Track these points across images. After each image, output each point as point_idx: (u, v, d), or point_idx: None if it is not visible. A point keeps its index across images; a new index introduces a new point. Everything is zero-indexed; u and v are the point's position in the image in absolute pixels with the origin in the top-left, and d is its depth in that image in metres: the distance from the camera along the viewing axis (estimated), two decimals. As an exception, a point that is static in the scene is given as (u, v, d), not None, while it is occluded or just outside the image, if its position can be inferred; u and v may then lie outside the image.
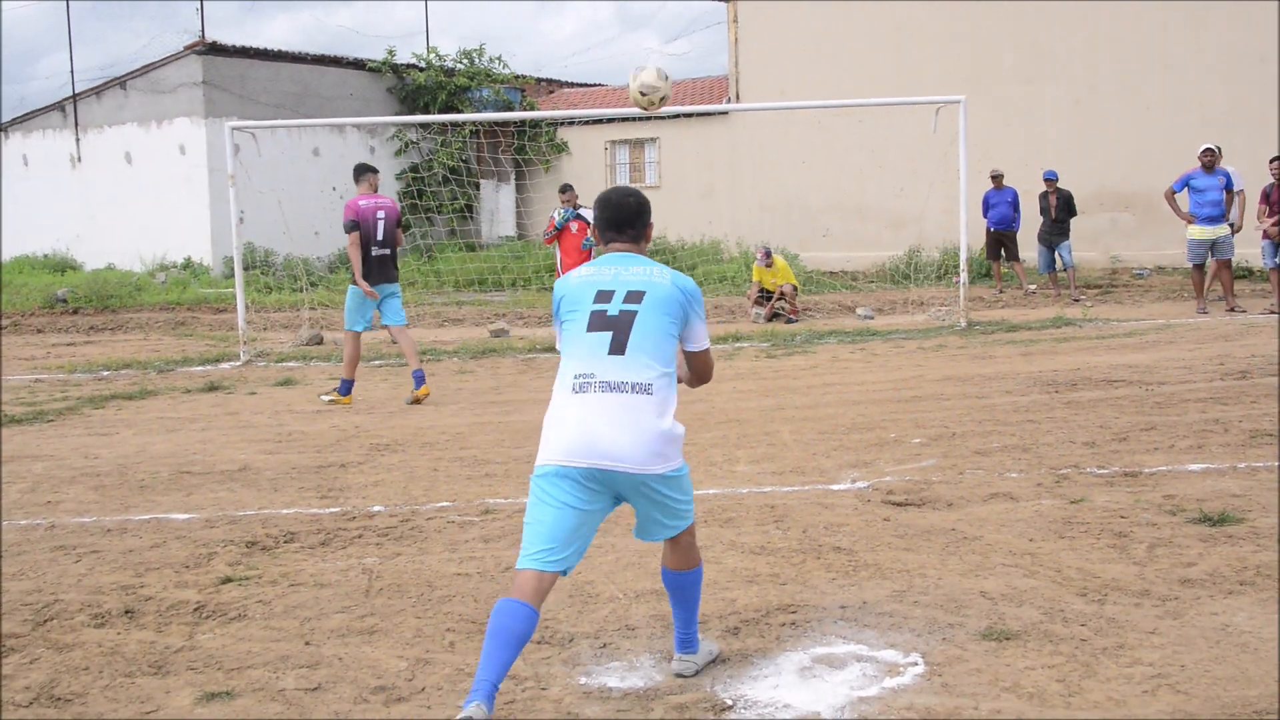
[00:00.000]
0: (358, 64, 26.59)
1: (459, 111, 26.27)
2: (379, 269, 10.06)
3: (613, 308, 3.75)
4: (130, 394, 10.88)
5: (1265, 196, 13.88)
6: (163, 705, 3.87)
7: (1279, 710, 3.55)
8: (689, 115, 24.23)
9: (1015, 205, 17.80)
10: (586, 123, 26.35)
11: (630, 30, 68.86)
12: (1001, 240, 17.93)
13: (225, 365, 12.85)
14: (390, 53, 26.99)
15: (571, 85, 32.01)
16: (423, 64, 27.24)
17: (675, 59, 75.71)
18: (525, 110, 27.83)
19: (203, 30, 24.39)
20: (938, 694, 3.75)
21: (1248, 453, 6.90)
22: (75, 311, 19.15)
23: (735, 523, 5.83)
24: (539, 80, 30.81)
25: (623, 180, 26.49)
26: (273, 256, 22.68)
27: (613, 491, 3.70)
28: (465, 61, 27.81)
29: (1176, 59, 19.82)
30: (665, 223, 23.49)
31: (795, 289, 16.00)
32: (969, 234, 14.36)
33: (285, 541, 5.78)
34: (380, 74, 26.81)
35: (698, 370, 4.05)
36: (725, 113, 22.97)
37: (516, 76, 29.05)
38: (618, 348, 3.69)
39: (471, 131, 26.65)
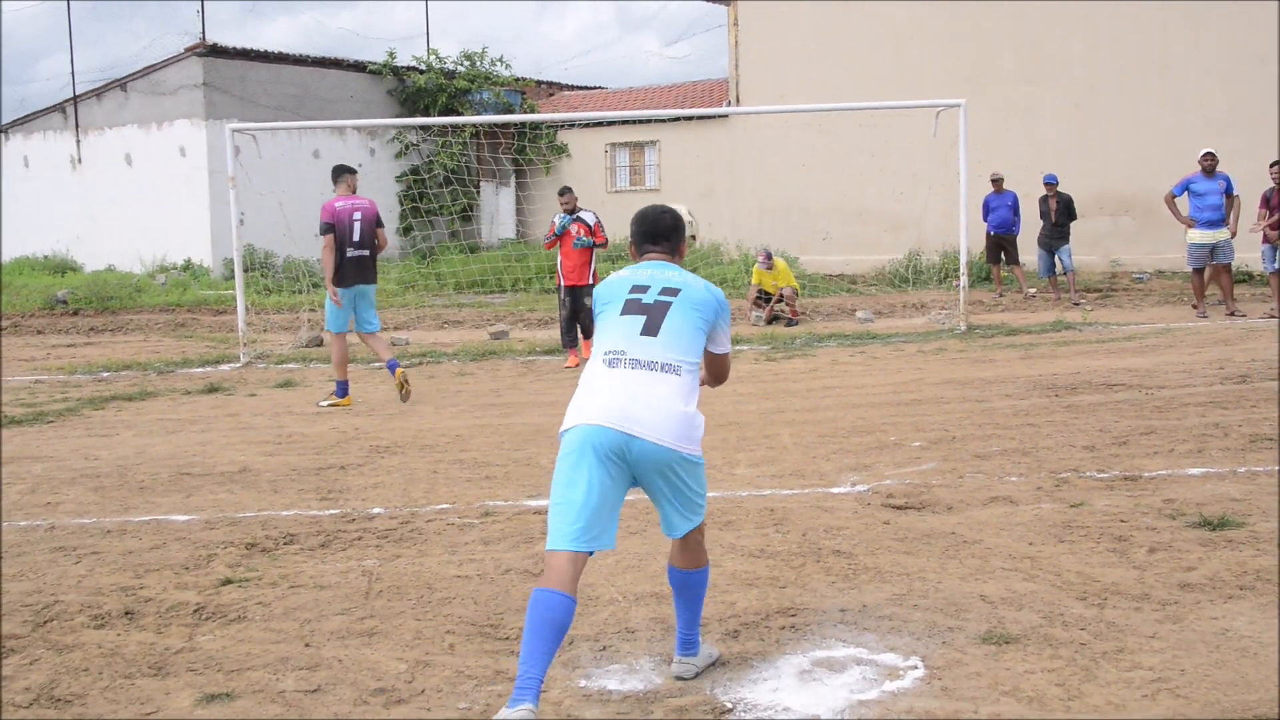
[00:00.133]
0: (358, 66, 26.60)
1: (459, 114, 26.29)
2: (356, 270, 10.09)
3: (648, 297, 3.89)
4: (130, 395, 10.88)
5: (1265, 201, 13.89)
6: (162, 707, 3.87)
7: (1279, 714, 3.55)
8: (689, 118, 24.26)
9: (1015, 209, 17.80)
10: (586, 125, 26.38)
11: (631, 32, 68.95)
12: (1001, 244, 17.94)
13: (225, 367, 12.85)
14: (391, 55, 27.02)
15: (572, 88, 32.04)
16: (423, 66, 27.25)
17: (675, 62, 75.77)
18: (525, 113, 27.84)
19: (203, 32, 24.43)
20: (937, 698, 3.75)
21: (1248, 457, 6.91)
22: (75, 313, 19.15)
23: (735, 525, 5.83)
24: (539, 83, 30.86)
25: (622, 183, 26.59)
26: (273, 258, 22.68)
27: (631, 472, 3.72)
28: (467, 63, 27.83)
29: (1177, 63, 19.84)
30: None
31: (795, 291, 16.00)
32: (969, 237, 14.37)
33: (285, 543, 5.78)
34: (381, 76, 26.82)
35: (717, 372, 4.18)
36: (725, 115, 22.99)
37: (517, 79, 29.08)
38: (650, 330, 3.81)
39: (472, 134, 26.67)
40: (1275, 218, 13.55)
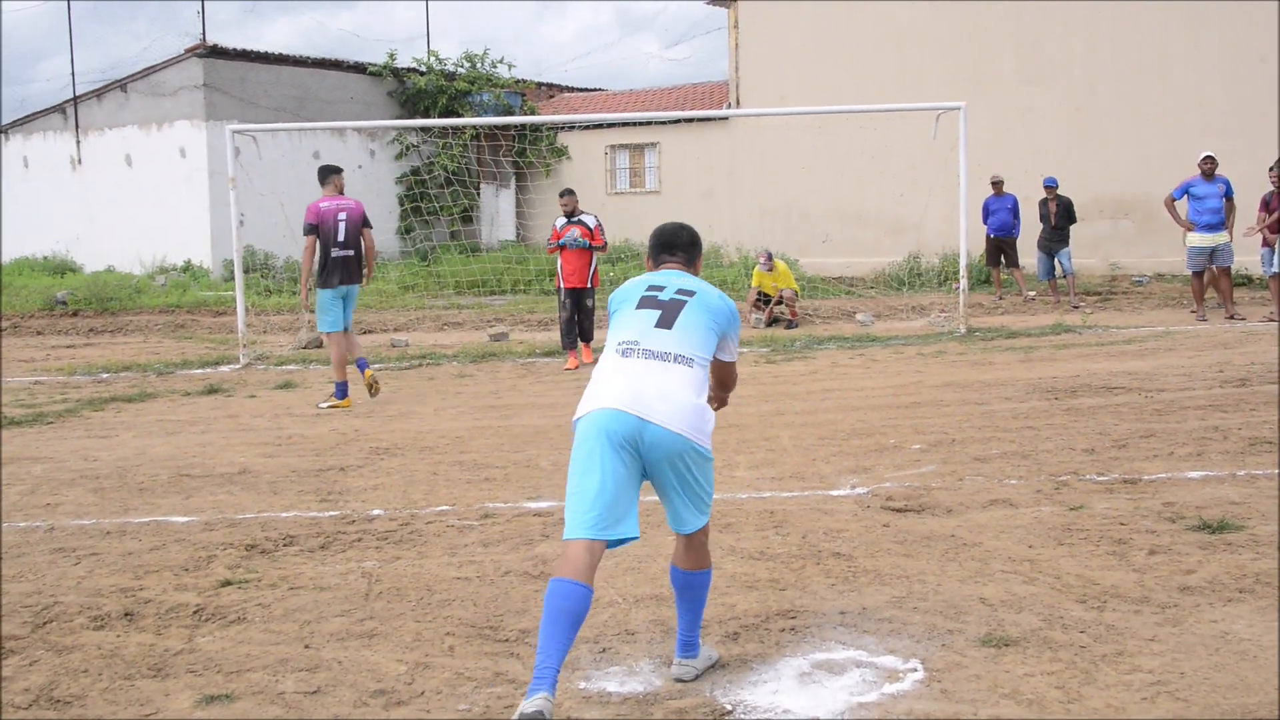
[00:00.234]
0: (358, 68, 26.61)
1: (459, 116, 26.31)
2: (343, 270, 10.12)
3: (664, 295, 3.99)
4: (130, 396, 10.88)
5: (1265, 204, 13.89)
6: (162, 708, 3.87)
7: (1278, 718, 3.55)
8: (689, 120, 24.27)
9: (1015, 212, 17.81)
10: (587, 127, 26.39)
11: (631, 34, 68.94)
12: (1001, 247, 17.94)
13: (225, 368, 12.85)
14: (391, 56, 27.03)
15: (572, 90, 32.05)
16: (423, 68, 27.26)
17: (676, 64, 75.82)
18: (526, 114, 27.85)
19: (204, 33, 24.43)
20: (937, 700, 3.75)
21: (1247, 460, 6.91)
22: (75, 314, 19.14)
23: (735, 528, 5.83)
24: (539, 84, 30.86)
25: (622, 185, 26.62)
26: (273, 260, 22.68)
27: (642, 462, 3.75)
28: (468, 64, 27.84)
29: (1177, 66, 19.84)
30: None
31: (795, 294, 16.00)
32: (969, 240, 14.38)
33: (285, 545, 5.78)
34: (381, 78, 26.83)
35: (725, 380, 4.21)
36: (725, 118, 23.00)
37: (517, 81, 29.09)
38: (665, 323, 3.89)
39: (472, 135, 26.68)
40: (1273, 218, 13.55)
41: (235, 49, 24.37)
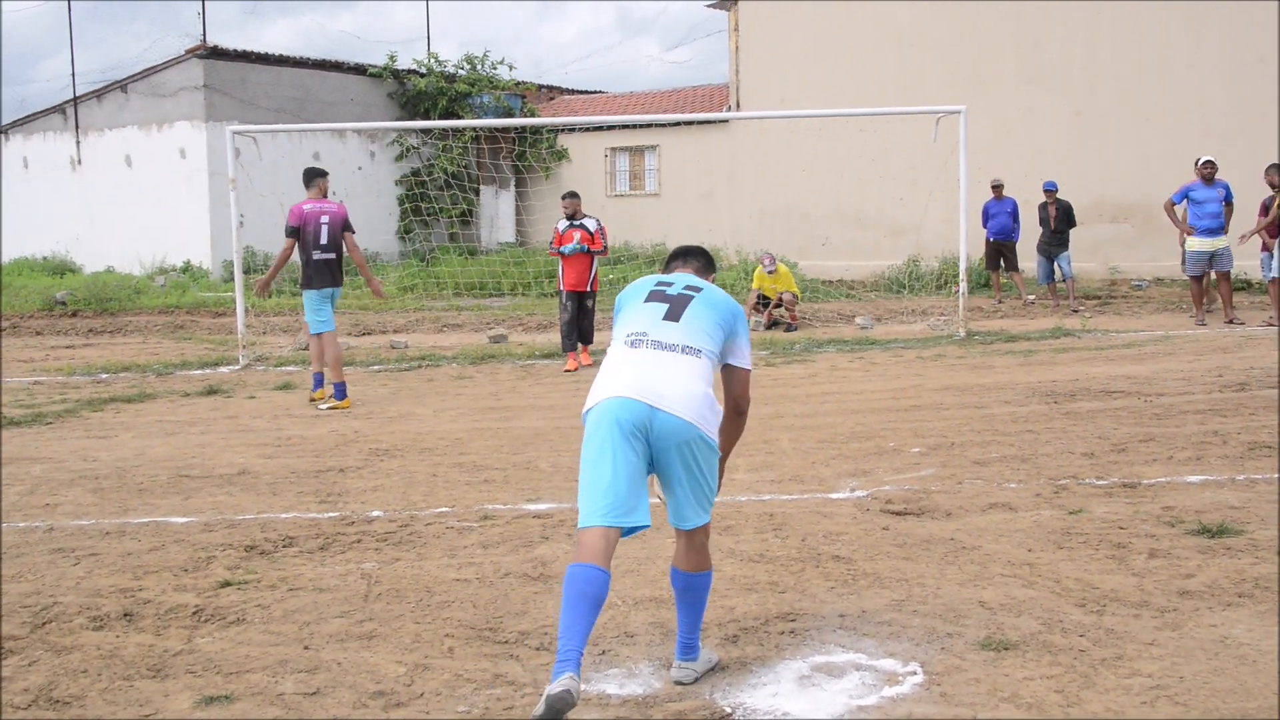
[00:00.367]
0: (359, 69, 26.62)
1: (459, 117, 26.31)
2: (325, 273, 10.14)
3: (672, 290, 4.09)
4: (129, 397, 10.88)
5: (1265, 208, 13.90)
6: (161, 709, 3.87)
7: (1277, 722, 3.56)
8: (689, 123, 24.28)
9: (1015, 215, 17.82)
10: (587, 129, 26.40)
11: (631, 36, 69.01)
12: (1001, 250, 17.95)
13: (224, 369, 12.85)
14: (391, 58, 27.04)
15: (572, 92, 32.07)
16: (424, 70, 27.27)
17: (676, 66, 75.84)
18: (526, 116, 27.86)
19: (204, 34, 24.46)
20: (936, 703, 3.75)
21: (1246, 465, 6.91)
22: (74, 314, 19.14)
23: (734, 531, 5.83)
24: (540, 86, 30.88)
25: (622, 187, 26.64)
26: (272, 260, 22.65)
27: (651, 451, 3.78)
28: (468, 66, 27.85)
29: (1177, 69, 19.86)
30: (665, 230, 23.52)
31: (796, 297, 16.01)
32: (968, 244, 14.38)
33: (284, 546, 5.78)
34: (381, 79, 26.84)
35: (738, 391, 4.09)
36: (725, 120, 23.01)
37: (517, 83, 29.10)
38: (673, 316, 3.98)
39: (472, 137, 26.69)
40: (1269, 220, 13.56)
41: (235, 50, 24.38)
